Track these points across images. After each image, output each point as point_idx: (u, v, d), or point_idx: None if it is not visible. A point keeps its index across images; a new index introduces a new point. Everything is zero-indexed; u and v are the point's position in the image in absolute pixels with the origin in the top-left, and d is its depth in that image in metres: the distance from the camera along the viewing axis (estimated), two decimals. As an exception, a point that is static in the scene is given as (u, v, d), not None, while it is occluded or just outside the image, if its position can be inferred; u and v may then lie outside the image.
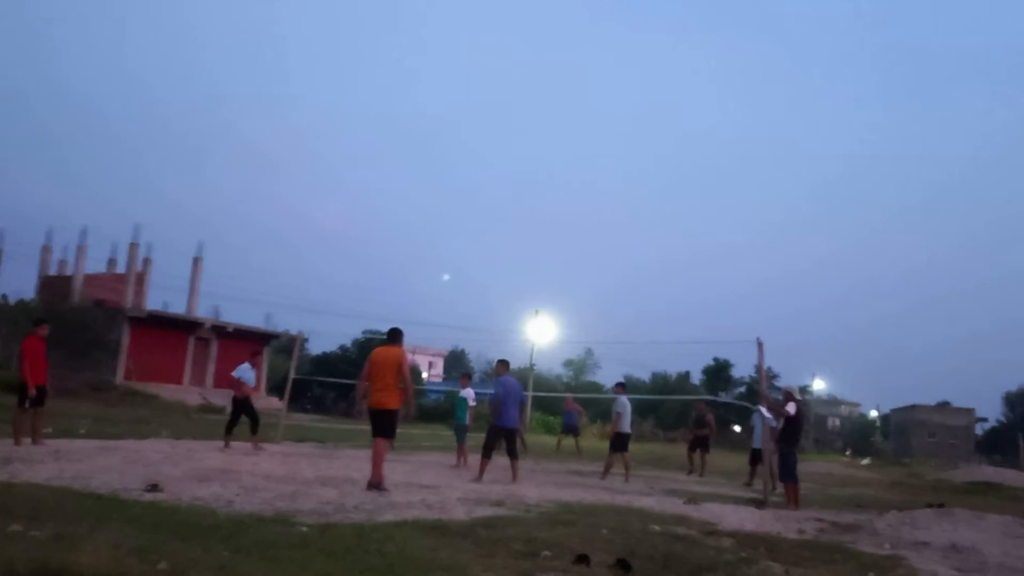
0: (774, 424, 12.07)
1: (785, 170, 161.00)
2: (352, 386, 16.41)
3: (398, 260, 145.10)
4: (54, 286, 38.55)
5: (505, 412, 11.79)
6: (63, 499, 6.26)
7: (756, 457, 15.27)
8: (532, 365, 42.29)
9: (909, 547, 7.56)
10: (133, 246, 38.82)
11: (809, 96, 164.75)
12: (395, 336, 9.59)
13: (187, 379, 37.29)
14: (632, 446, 15.80)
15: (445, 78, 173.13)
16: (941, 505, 11.28)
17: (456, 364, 76.79)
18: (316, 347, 52.47)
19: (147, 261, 39.43)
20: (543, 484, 11.62)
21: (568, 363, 71.15)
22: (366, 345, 39.53)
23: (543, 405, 41.91)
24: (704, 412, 18.67)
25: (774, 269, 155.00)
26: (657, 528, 7.39)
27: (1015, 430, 62.74)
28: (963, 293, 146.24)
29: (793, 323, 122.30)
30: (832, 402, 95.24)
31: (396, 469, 11.93)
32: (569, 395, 23.61)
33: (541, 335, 42.90)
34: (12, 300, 36.66)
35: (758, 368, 13.10)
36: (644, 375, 65.78)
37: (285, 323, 78.32)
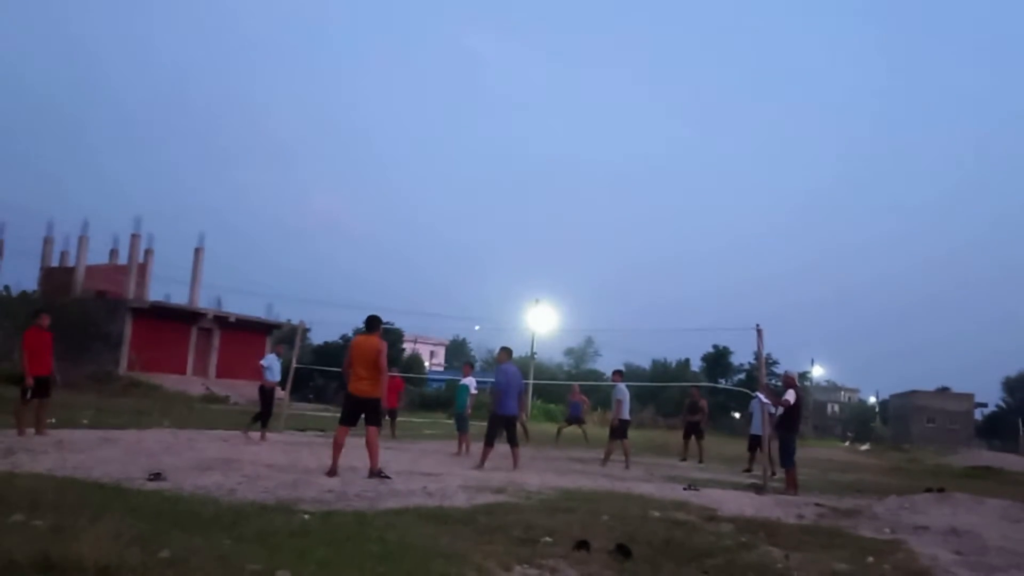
0: (773, 411, 12.10)
1: (789, 163, 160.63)
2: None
3: (400, 249, 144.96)
4: (56, 278, 38.57)
5: (505, 400, 11.81)
6: (65, 489, 6.27)
7: (755, 443, 15.31)
8: (533, 353, 42.37)
9: (909, 531, 7.59)
10: (134, 237, 38.87)
11: (810, 94, 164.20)
12: (373, 325, 9.57)
13: (190, 370, 37.37)
14: (632, 433, 15.86)
15: (445, 65, 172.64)
16: (941, 490, 11.31)
17: (457, 353, 76.92)
18: (318, 337, 52.53)
19: (148, 252, 39.48)
20: (544, 471, 11.66)
21: (569, 351, 71.38)
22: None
23: (544, 393, 42.02)
24: (697, 398, 18.73)
25: (775, 257, 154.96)
26: (657, 514, 7.42)
27: (1015, 415, 62.92)
28: (963, 280, 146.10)
29: (792, 310, 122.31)
30: (831, 388, 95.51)
31: (398, 457, 11.99)
32: (576, 385, 23.65)
33: (542, 324, 42.98)
34: (14, 292, 36.71)
35: (757, 355, 13.14)
36: (644, 363, 65.94)
37: (287, 313, 78.36)
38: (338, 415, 9.72)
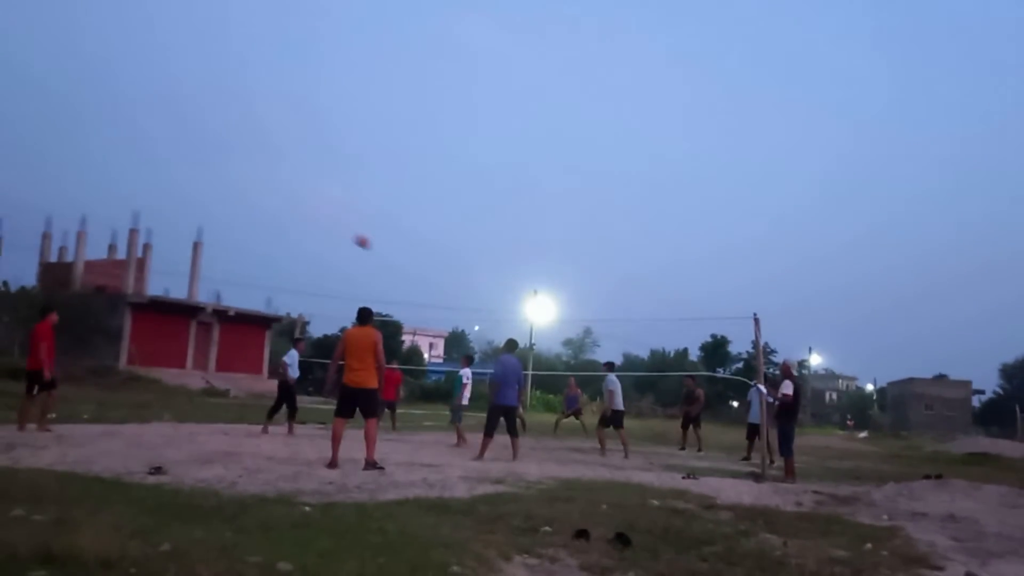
0: (771, 399, 12.12)
1: (789, 163, 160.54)
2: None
3: (399, 241, 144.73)
4: (55, 273, 38.56)
5: (503, 390, 11.83)
6: (66, 483, 6.29)
7: (753, 432, 15.35)
8: (532, 344, 42.41)
9: (907, 518, 7.63)
10: (133, 232, 38.82)
11: (809, 93, 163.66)
12: (366, 316, 9.56)
13: (189, 363, 37.39)
14: (631, 423, 15.90)
15: (443, 59, 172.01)
16: (938, 476, 11.36)
17: (457, 345, 76.91)
18: (317, 330, 52.61)
19: (147, 247, 39.44)
20: (543, 462, 11.69)
21: (567, 342, 71.39)
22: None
23: (543, 384, 42.07)
24: (692, 388, 18.76)
25: (773, 252, 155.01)
26: (656, 503, 7.45)
27: (1012, 401, 62.94)
28: (961, 268, 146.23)
29: (790, 299, 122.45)
30: (829, 376, 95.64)
31: (398, 449, 12.01)
32: (572, 378, 23.71)
33: (540, 315, 43.01)
34: (13, 287, 36.68)
35: (755, 344, 13.15)
36: (643, 352, 66.03)
37: (286, 306, 78.42)
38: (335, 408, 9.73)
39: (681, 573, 4.74)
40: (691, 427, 18.01)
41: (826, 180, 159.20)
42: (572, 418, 20.03)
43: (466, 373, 15.24)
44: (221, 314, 38.93)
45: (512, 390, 11.90)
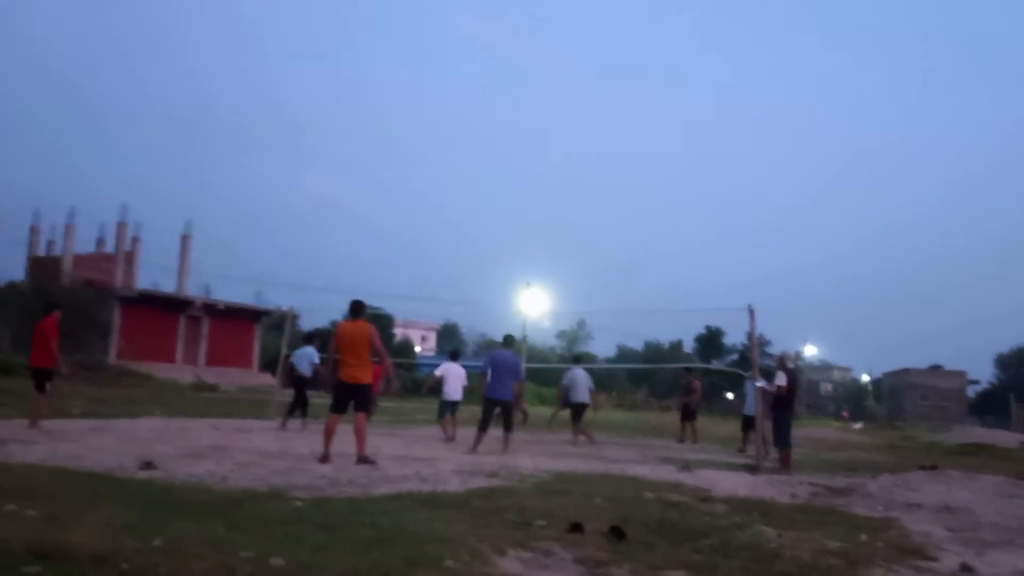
0: (769, 388, 12.08)
1: (788, 163, 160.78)
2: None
3: (391, 234, 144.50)
4: (43, 267, 38.35)
5: (495, 384, 11.78)
6: (57, 479, 6.25)
7: (749, 423, 15.35)
8: (525, 337, 42.37)
9: (902, 509, 7.63)
10: (121, 226, 38.64)
11: (818, 93, 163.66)
12: (359, 310, 9.49)
13: (179, 358, 37.27)
14: (625, 414, 15.91)
15: (440, 47, 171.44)
16: (934, 467, 11.36)
17: (449, 338, 76.85)
18: (308, 323, 52.37)
19: (135, 241, 39.27)
20: (537, 455, 11.66)
21: (561, 334, 71.44)
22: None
23: (536, 377, 42.06)
24: (689, 381, 18.79)
25: (772, 246, 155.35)
26: (651, 495, 7.43)
27: (1007, 392, 63.31)
28: (956, 259, 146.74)
29: (785, 290, 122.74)
30: (824, 367, 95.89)
31: (390, 443, 11.97)
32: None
33: (533, 307, 42.91)
34: (1, 282, 36.49)
35: (750, 335, 13.13)
36: (637, 344, 66.08)
37: (276, 300, 78.08)
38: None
39: (676, 566, 4.71)
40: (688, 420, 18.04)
41: (826, 180, 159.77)
42: (566, 411, 20.01)
43: (444, 367, 15.09)
44: (210, 308, 38.79)
45: (506, 384, 11.84)
